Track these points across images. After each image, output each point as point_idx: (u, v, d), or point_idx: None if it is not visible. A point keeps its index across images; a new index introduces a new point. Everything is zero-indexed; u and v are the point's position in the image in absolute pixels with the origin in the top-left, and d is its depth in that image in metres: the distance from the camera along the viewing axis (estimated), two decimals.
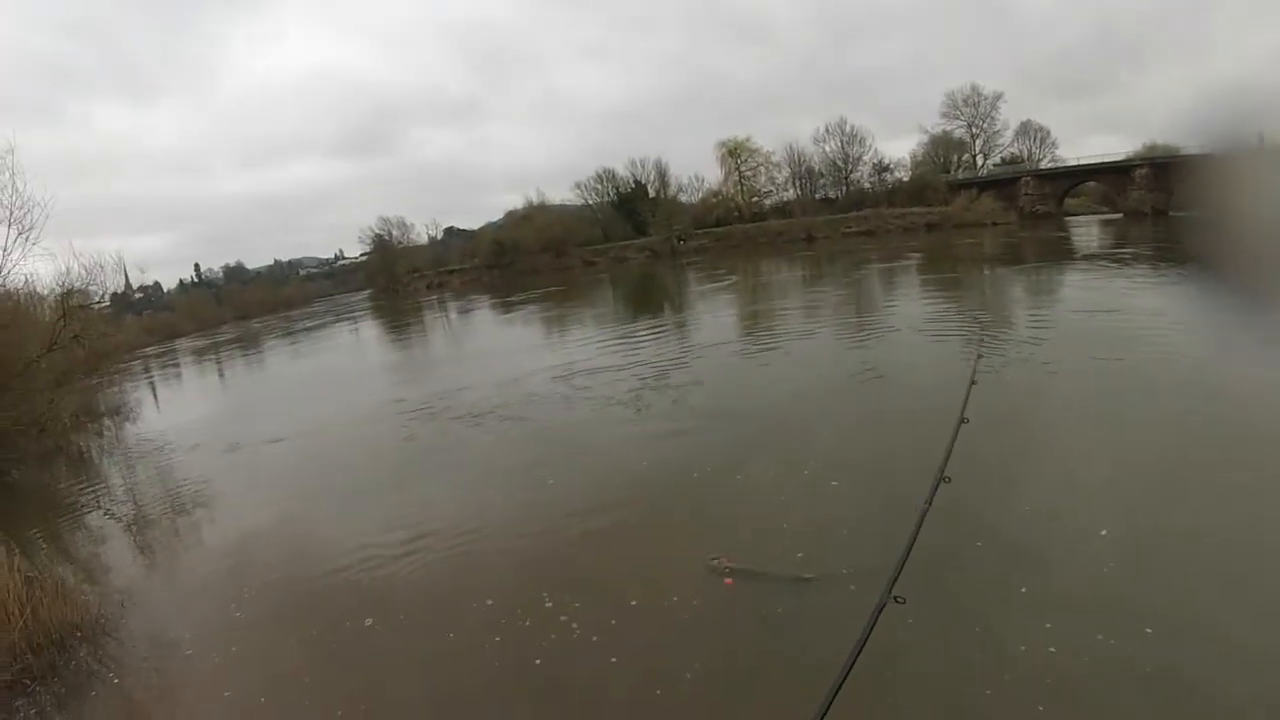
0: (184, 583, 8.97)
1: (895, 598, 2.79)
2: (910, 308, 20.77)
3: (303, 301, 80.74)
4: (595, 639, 6.10)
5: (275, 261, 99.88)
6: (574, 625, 6.36)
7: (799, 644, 5.62)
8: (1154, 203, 46.20)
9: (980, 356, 6.02)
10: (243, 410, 21.45)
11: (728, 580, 6.50)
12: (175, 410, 23.88)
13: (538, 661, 5.91)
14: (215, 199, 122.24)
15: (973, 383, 5.44)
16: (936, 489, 3.73)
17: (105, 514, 12.30)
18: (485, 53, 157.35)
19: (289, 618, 7.38)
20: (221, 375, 33.10)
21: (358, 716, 5.57)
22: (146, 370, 37.94)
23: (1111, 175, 52.64)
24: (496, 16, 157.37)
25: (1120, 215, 48.83)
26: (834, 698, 2.29)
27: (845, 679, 2.38)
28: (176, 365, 39.65)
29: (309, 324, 52.34)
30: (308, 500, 11.30)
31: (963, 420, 4.72)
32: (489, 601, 6.95)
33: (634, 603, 6.58)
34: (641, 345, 20.14)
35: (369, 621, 6.94)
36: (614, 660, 5.80)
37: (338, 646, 6.65)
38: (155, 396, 28.42)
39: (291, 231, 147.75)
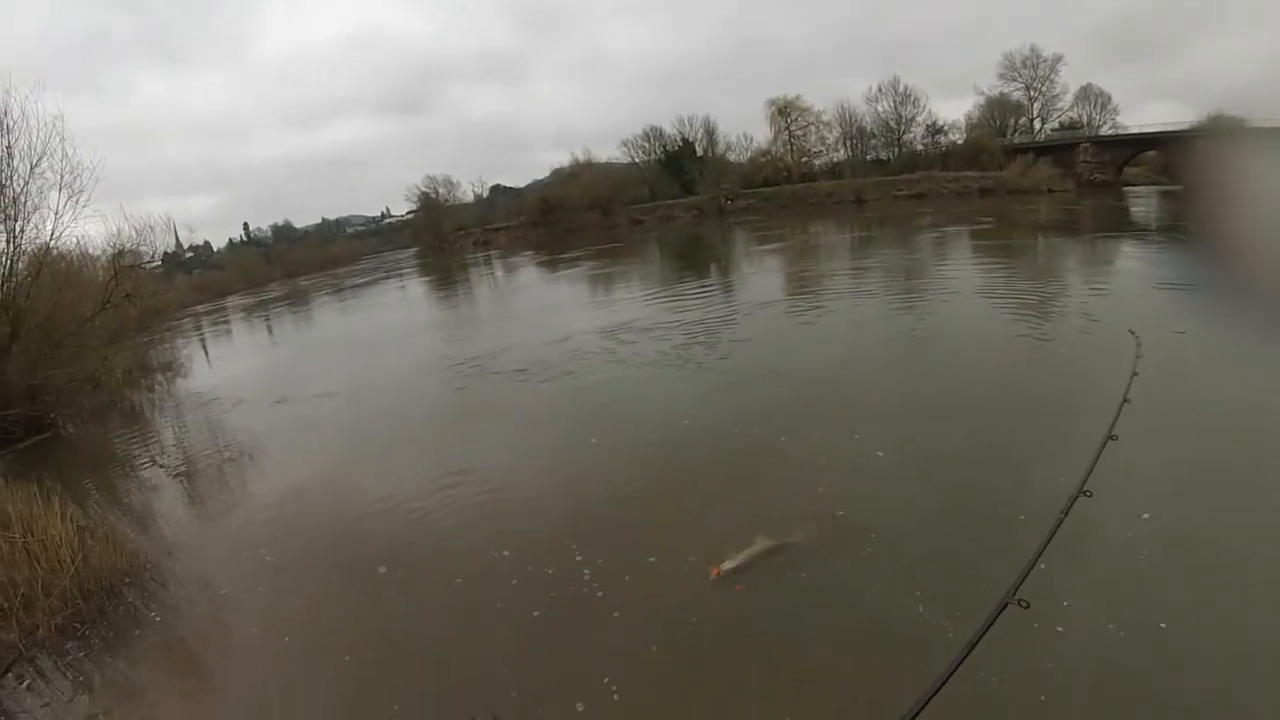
0: (224, 529, 9.30)
1: (1020, 601, 2.57)
2: (970, 275, 20.05)
3: (350, 259, 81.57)
4: (601, 594, 6.23)
5: (323, 220, 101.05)
6: (589, 576, 6.53)
7: (807, 616, 5.58)
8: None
9: (1136, 375, 5.44)
10: (290, 366, 21.96)
11: (738, 587, 6.12)
12: (225, 366, 24.46)
13: (536, 613, 6.07)
14: (261, 161, 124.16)
15: (1125, 400, 4.92)
16: (1075, 499, 3.41)
17: (155, 465, 12.67)
18: (530, 8, 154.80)
19: (316, 561, 7.76)
20: (270, 332, 33.71)
21: (366, 654, 5.85)
22: (197, 327, 38.92)
23: (1174, 145, 49.47)
24: None
25: (1181, 187, 46.41)
26: (938, 690, 2.19)
27: (951, 675, 2.14)
28: (226, 322, 40.61)
29: (356, 281, 52.99)
30: (348, 453, 11.53)
31: (1110, 437, 4.29)
32: (505, 552, 7.16)
33: (652, 559, 6.66)
34: (689, 304, 19.98)
35: (382, 569, 7.22)
36: (616, 615, 5.92)
37: (354, 590, 6.98)
38: (206, 352, 29.10)
39: (338, 190, 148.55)
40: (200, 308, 49.95)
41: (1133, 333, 6.64)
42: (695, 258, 37.12)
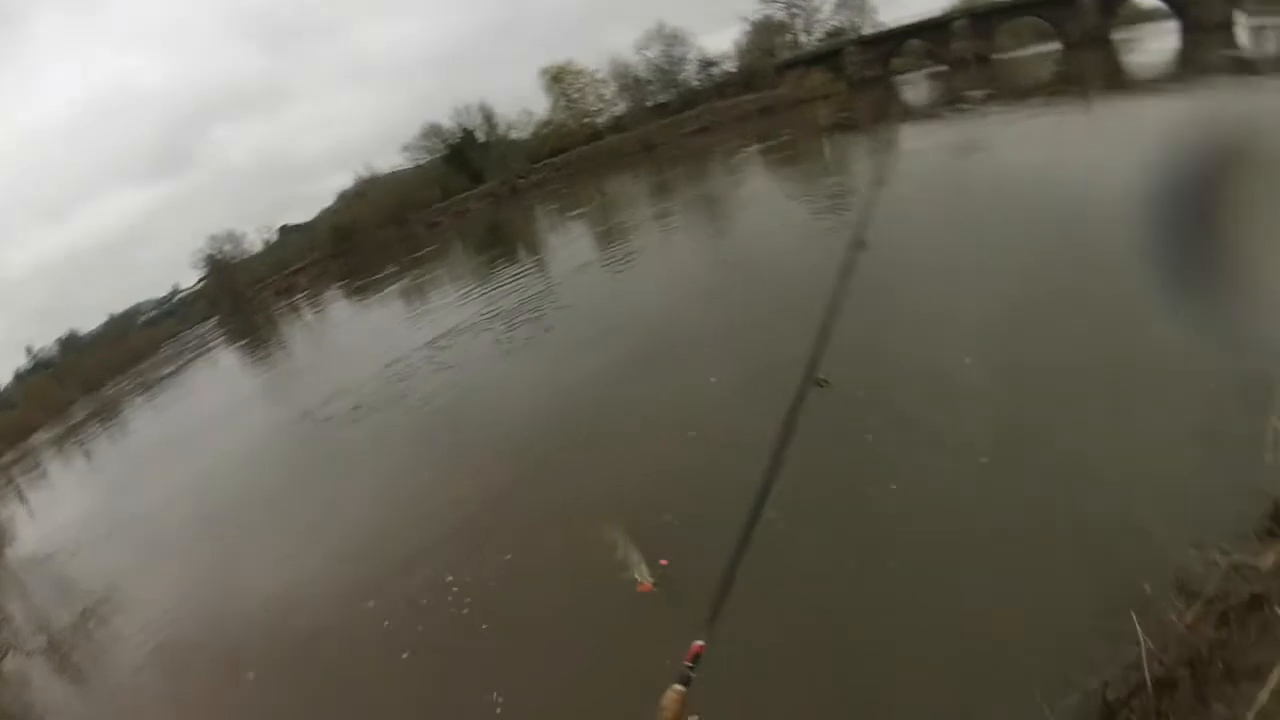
0: (97, 686, 9.11)
1: (818, 380, 2.78)
2: (761, 189, 21.04)
3: (151, 350, 74.24)
4: (467, 610, 6.65)
5: (109, 317, 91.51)
6: (455, 595, 6.93)
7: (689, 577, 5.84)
8: (976, 50, 50.69)
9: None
10: (120, 487, 20.50)
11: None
12: (51, 514, 21.96)
13: (405, 655, 6.41)
14: (22, 270, 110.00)
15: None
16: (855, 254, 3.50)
17: (11, 651, 11.61)
18: (276, 30, 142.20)
19: (186, 686, 7.78)
20: (89, 458, 30.67)
21: None
22: (8, 481, 34.69)
23: (932, 31, 55.15)
24: None
25: (946, 67, 51.45)
26: (767, 495, 2.48)
27: (778, 468, 2.52)
28: (38, 465, 35.90)
29: (164, 372, 48.28)
30: (200, 559, 11.28)
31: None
32: (371, 603, 7.41)
33: (508, 558, 7.12)
34: (505, 291, 20.34)
35: (251, 675, 7.28)
36: (484, 627, 6.33)
37: (231, 700, 7.10)
38: (27, 506, 26.22)
39: (118, 277, 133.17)
40: (4, 459, 44.58)
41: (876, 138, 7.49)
42: (500, 244, 36.89)
